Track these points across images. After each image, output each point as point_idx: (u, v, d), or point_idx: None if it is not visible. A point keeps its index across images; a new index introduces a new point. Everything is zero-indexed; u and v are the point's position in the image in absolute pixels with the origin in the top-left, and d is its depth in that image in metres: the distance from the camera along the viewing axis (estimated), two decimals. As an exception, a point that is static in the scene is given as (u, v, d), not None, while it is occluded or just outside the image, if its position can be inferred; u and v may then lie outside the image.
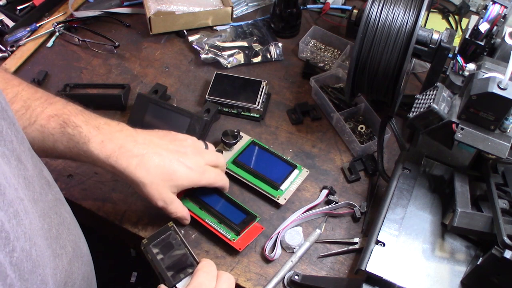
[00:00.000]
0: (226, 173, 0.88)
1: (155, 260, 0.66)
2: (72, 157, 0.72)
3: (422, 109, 0.70)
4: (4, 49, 1.07)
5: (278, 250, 0.80)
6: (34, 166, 0.51)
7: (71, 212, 0.61)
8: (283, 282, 0.77)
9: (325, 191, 0.87)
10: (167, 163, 0.73)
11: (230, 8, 1.14)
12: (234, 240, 0.79)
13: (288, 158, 0.91)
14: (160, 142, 0.75)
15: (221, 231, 0.80)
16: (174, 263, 0.66)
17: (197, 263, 0.65)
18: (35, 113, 0.68)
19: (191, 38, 1.11)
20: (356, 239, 0.81)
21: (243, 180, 0.87)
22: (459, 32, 1.14)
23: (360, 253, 0.76)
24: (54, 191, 0.56)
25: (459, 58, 0.76)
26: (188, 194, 0.83)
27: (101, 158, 0.70)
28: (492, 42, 0.76)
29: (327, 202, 0.86)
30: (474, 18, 0.78)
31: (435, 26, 0.80)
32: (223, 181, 0.81)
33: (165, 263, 0.66)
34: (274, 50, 1.09)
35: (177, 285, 0.64)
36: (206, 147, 0.82)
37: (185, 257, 0.67)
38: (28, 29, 1.10)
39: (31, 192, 0.47)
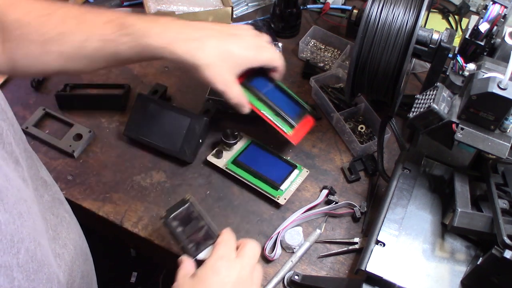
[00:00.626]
0: (226, 173, 0.88)
1: (175, 233, 0.67)
2: (133, 58, 0.73)
3: (422, 109, 0.70)
4: (4, 49, 1.07)
5: (278, 250, 0.80)
6: (30, 168, 0.51)
7: (71, 211, 0.61)
8: (283, 282, 0.77)
9: (325, 191, 0.87)
10: (224, 43, 0.75)
11: (230, 8, 1.14)
12: (289, 133, 0.84)
13: (288, 158, 0.91)
14: (216, 27, 0.77)
15: (277, 123, 0.84)
16: (194, 235, 0.67)
17: (217, 235, 0.66)
18: (91, 25, 0.70)
19: (191, 38, 1.11)
20: (356, 239, 0.81)
21: (243, 180, 0.87)
22: (459, 32, 1.14)
23: (360, 253, 0.76)
24: (52, 191, 0.56)
25: (459, 58, 0.76)
26: (244, 84, 0.82)
27: (161, 48, 0.71)
28: (492, 42, 0.76)
29: (327, 202, 0.86)
30: (474, 18, 0.78)
31: (435, 26, 0.80)
32: (280, 60, 0.82)
33: (186, 235, 0.67)
34: (274, 50, 1.09)
35: (197, 257, 0.65)
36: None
37: (204, 229, 0.68)
38: (28, 29, 1.10)
39: (29, 193, 0.47)
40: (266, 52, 0.80)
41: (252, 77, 0.83)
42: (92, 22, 0.70)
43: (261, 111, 0.84)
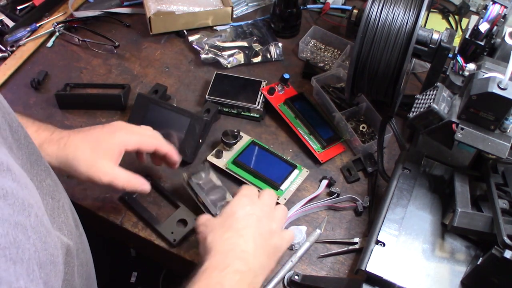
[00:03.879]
0: (226, 173, 0.88)
1: (199, 192, 0.79)
2: None
3: (422, 109, 0.70)
4: (4, 49, 1.07)
5: None
6: (29, 154, 0.51)
7: (70, 201, 0.61)
8: (283, 282, 0.77)
9: (325, 181, 0.87)
10: (91, 133, 0.74)
11: (230, 8, 1.14)
12: (319, 152, 0.91)
13: (288, 158, 0.91)
14: (87, 128, 0.77)
15: (309, 141, 0.92)
16: (214, 195, 0.80)
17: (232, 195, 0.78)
18: None
19: (191, 38, 1.11)
20: (356, 239, 0.81)
21: (243, 180, 0.87)
22: (459, 32, 1.14)
23: (360, 253, 0.76)
24: (55, 177, 0.57)
25: (459, 58, 0.76)
26: (287, 103, 0.96)
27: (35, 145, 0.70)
28: (492, 42, 0.76)
29: (329, 194, 0.87)
30: (474, 18, 0.78)
31: (435, 26, 0.80)
32: (155, 143, 0.79)
33: (208, 195, 0.79)
34: (274, 50, 1.09)
35: (217, 212, 0.76)
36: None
37: (223, 190, 0.81)
38: (28, 29, 1.10)
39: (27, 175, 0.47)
40: (139, 133, 0.78)
41: (296, 100, 0.97)
42: None
43: (297, 128, 0.93)
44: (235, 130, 0.92)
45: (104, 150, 0.73)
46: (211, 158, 0.90)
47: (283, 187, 0.86)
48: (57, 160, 0.71)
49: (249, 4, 1.22)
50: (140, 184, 0.76)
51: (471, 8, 1.18)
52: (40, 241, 0.40)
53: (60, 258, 0.45)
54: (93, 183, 0.72)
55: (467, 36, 0.76)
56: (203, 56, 1.07)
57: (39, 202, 0.43)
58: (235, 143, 0.91)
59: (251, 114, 0.98)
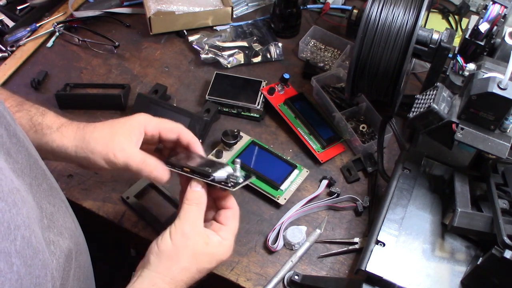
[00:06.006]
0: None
1: (183, 164, 0.65)
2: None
3: (422, 109, 0.70)
4: (4, 49, 1.07)
5: (281, 242, 0.80)
6: (29, 157, 0.51)
7: (67, 202, 0.61)
8: (283, 282, 0.77)
9: (325, 181, 0.88)
10: (109, 122, 0.68)
11: (230, 8, 1.14)
12: (319, 152, 0.91)
13: (288, 158, 0.91)
14: None
15: (309, 141, 0.92)
16: (202, 163, 0.65)
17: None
18: None
19: (191, 38, 1.11)
20: (356, 239, 0.81)
21: (243, 180, 0.87)
22: (459, 32, 1.14)
23: (360, 253, 0.76)
24: (50, 181, 0.57)
25: (459, 58, 0.76)
26: (287, 103, 0.96)
27: (53, 128, 0.66)
28: (492, 42, 0.76)
29: (329, 194, 0.87)
30: (474, 18, 0.78)
31: (435, 26, 0.80)
32: (177, 127, 0.72)
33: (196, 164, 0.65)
34: (274, 50, 1.09)
35: (215, 175, 0.63)
36: None
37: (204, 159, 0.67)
38: (28, 29, 1.10)
39: (22, 184, 0.47)
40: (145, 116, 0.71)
41: (296, 100, 0.96)
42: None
43: (297, 128, 0.93)
44: (235, 130, 0.92)
45: (123, 127, 0.66)
46: (211, 158, 0.90)
47: (283, 187, 0.86)
48: (73, 142, 0.65)
49: (249, 4, 1.22)
50: (160, 170, 0.66)
51: (471, 8, 1.18)
52: (25, 265, 0.40)
53: (49, 276, 0.45)
54: (109, 165, 0.65)
55: (467, 36, 0.76)
56: (203, 56, 1.07)
57: (30, 218, 0.43)
58: (235, 143, 0.91)
59: (251, 114, 0.98)
